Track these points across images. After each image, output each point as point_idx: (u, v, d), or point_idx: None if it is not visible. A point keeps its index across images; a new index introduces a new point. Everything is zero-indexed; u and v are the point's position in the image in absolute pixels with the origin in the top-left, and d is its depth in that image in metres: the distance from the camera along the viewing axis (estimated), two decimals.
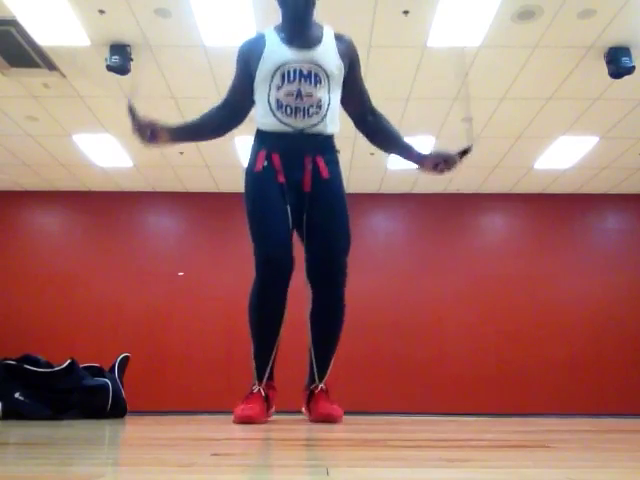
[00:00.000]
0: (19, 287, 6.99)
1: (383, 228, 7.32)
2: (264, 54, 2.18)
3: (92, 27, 4.18)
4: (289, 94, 2.15)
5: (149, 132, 2.22)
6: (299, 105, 2.15)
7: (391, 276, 7.06)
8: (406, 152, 2.37)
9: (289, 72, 2.16)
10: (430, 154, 2.33)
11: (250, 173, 2.25)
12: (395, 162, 6.46)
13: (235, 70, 2.30)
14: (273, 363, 2.23)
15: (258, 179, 2.22)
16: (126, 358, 2.89)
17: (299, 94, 2.15)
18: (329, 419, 2.10)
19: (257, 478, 0.85)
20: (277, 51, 2.18)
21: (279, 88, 2.16)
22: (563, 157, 6.27)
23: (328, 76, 2.19)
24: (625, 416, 4.56)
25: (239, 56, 2.28)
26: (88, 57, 4.50)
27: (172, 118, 5.85)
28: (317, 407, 2.17)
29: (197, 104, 5.17)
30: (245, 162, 2.36)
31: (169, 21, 4.13)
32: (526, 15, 4.04)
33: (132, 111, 2.20)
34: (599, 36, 4.24)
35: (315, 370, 2.27)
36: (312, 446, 1.32)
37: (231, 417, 2.11)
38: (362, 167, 6.41)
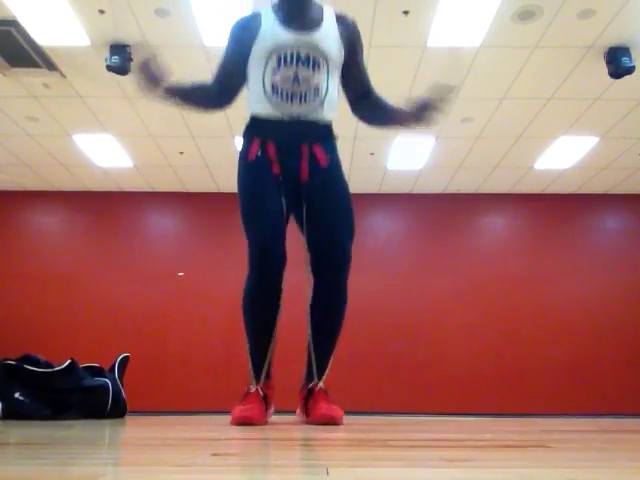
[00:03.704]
0: (19, 287, 6.99)
1: (383, 228, 7.32)
2: (259, 34, 2.08)
3: (92, 27, 4.18)
4: (285, 79, 2.05)
5: (154, 79, 2.02)
6: (296, 90, 2.05)
7: (391, 276, 7.06)
8: (395, 120, 2.25)
9: (286, 55, 2.05)
10: (413, 110, 2.13)
11: (244, 162, 2.15)
12: (395, 162, 6.47)
13: (226, 47, 2.17)
14: (270, 361, 2.12)
15: (252, 170, 2.11)
16: (126, 358, 2.89)
17: (296, 79, 2.05)
18: (330, 421, 1.96)
19: (257, 478, 0.85)
20: (273, 32, 2.07)
21: (275, 72, 2.06)
22: (563, 157, 6.27)
23: (327, 61, 2.09)
24: (625, 416, 4.56)
25: (232, 33, 2.16)
26: (88, 57, 4.50)
27: (172, 118, 5.82)
28: (316, 408, 2.04)
29: None
30: None
31: (169, 21, 4.13)
32: (526, 15, 4.04)
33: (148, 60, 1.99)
34: (599, 36, 4.24)
35: (314, 366, 2.14)
36: (312, 446, 1.32)
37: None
38: (362, 167, 6.41)
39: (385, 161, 6.41)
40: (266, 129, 2.12)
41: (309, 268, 2.14)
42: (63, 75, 4.74)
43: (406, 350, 6.86)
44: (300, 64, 2.05)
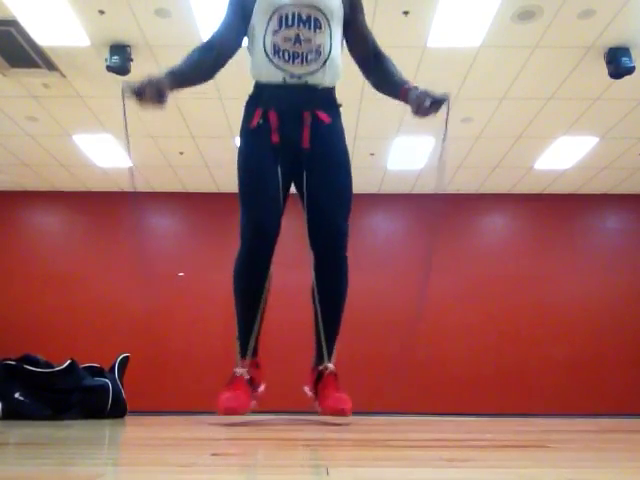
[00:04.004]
0: (19, 287, 6.99)
1: (383, 228, 7.31)
2: None
3: (92, 27, 4.18)
4: (287, 39, 2.04)
5: (156, 92, 1.98)
6: (297, 50, 2.05)
7: (391, 276, 7.06)
8: (397, 92, 2.22)
9: (287, 16, 2.04)
10: (413, 94, 2.12)
11: (244, 130, 2.16)
12: (395, 162, 6.47)
13: (227, 8, 2.16)
14: (257, 337, 2.13)
15: (252, 138, 2.13)
16: (126, 358, 2.89)
17: (297, 39, 2.04)
18: (339, 413, 1.96)
19: (257, 478, 0.85)
20: None
21: (276, 32, 2.05)
22: (563, 157, 6.27)
23: (328, 20, 2.08)
24: (625, 416, 4.55)
25: None
26: (88, 57, 4.50)
27: (172, 118, 5.81)
28: (325, 395, 2.05)
29: (197, 104, 5.19)
30: None
31: (169, 21, 4.13)
32: (526, 15, 4.04)
33: (133, 89, 1.97)
34: (599, 36, 4.24)
35: (323, 345, 2.14)
36: (312, 446, 1.32)
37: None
38: (362, 167, 6.41)
39: (385, 161, 6.41)
40: (268, 96, 2.11)
41: (308, 239, 2.15)
42: (63, 75, 4.74)
43: (406, 350, 6.85)
44: (301, 24, 2.05)
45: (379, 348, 6.81)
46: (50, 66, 4.59)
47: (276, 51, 2.06)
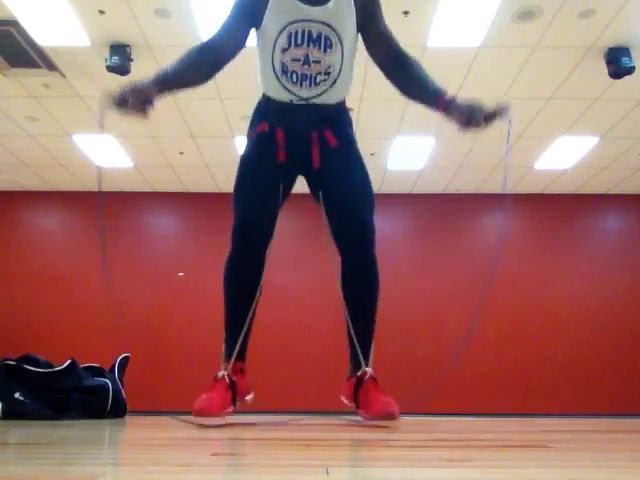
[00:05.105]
0: (19, 287, 6.99)
1: (383, 228, 7.25)
2: (270, 3, 1.95)
3: (92, 27, 4.18)
4: (295, 59, 1.96)
5: (140, 100, 1.85)
6: (306, 72, 1.97)
7: (391, 276, 7.04)
8: (432, 102, 2.08)
9: (296, 33, 1.94)
10: (458, 107, 1.98)
11: (250, 138, 2.12)
12: (395, 162, 6.47)
13: (233, 9, 2.03)
14: (245, 341, 2.07)
15: (256, 148, 2.10)
16: (126, 358, 2.89)
17: (306, 60, 1.96)
18: (388, 417, 1.85)
19: (257, 478, 0.85)
20: (285, 4, 1.95)
21: (285, 50, 1.96)
22: (563, 157, 6.27)
23: (340, 39, 1.97)
24: (625, 416, 4.55)
25: None
26: (88, 57, 4.50)
27: (172, 118, 5.79)
28: (370, 401, 1.94)
29: (197, 104, 5.19)
30: None
31: (169, 21, 4.13)
32: (526, 15, 4.04)
33: (114, 99, 1.84)
34: (599, 36, 4.24)
35: (358, 350, 2.05)
36: (312, 446, 1.32)
37: (233, 417, 2.06)
38: None
39: (385, 161, 6.41)
40: (275, 113, 2.08)
41: (333, 247, 2.10)
42: (63, 75, 4.74)
43: (406, 350, 6.85)
44: (311, 44, 1.96)
45: (378, 348, 6.79)
46: (50, 66, 4.59)
47: (284, 71, 1.99)
